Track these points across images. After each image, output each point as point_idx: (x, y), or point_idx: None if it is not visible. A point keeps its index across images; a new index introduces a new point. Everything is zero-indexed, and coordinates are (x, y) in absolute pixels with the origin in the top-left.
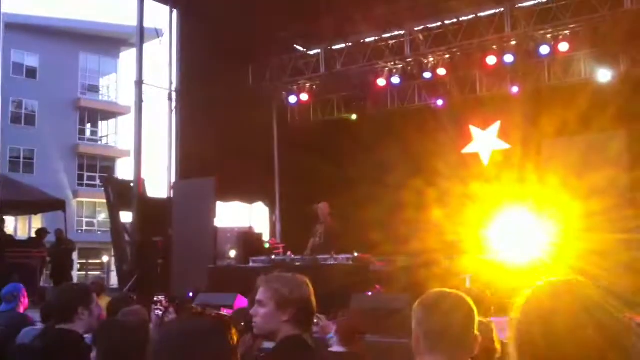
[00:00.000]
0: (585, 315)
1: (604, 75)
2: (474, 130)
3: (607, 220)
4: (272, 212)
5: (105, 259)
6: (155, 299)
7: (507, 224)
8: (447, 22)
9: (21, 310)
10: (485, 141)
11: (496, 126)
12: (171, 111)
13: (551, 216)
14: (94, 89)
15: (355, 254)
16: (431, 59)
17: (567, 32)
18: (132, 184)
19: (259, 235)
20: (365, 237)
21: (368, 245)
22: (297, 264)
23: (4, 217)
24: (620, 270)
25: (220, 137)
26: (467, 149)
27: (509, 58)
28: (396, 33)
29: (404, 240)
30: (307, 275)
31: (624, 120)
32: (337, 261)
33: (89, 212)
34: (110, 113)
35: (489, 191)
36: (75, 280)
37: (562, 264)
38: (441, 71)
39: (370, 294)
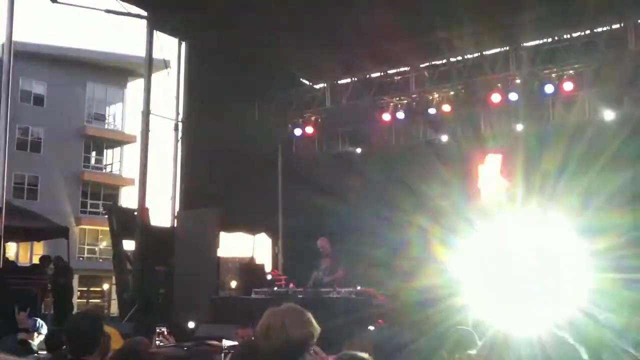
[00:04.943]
0: None
1: (608, 115)
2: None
3: (608, 259)
4: (274, 243)
5: (106, 287)
6: (157, 329)
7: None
8: (452, 59)
9: None
10: (487, 177)
11: (498, 162)
12: (177, 141)
13: (552, 253)
14: (101, 117)
15: (359, 288)
16: (436, 96)
17: (571, 71)
18: (135, 213)
19: (261, 266)
20: (368, 271)
21: (371, 280)
22: (299, 296)
23: (6, 244)
24: (624, 310)
25: (224, 168)
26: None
27: (513, 96)
28: (401, 69)
29: (407, 275)
30: (309, 308)
31: (626, 160)
32: (340, 294)
33: (91, 239)
34: (115, 141)
35: (492, 228)
36: (75, 308)
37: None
38: (446, 108)
39: (372, 328)
